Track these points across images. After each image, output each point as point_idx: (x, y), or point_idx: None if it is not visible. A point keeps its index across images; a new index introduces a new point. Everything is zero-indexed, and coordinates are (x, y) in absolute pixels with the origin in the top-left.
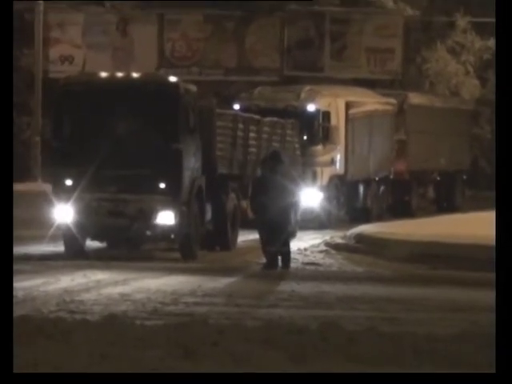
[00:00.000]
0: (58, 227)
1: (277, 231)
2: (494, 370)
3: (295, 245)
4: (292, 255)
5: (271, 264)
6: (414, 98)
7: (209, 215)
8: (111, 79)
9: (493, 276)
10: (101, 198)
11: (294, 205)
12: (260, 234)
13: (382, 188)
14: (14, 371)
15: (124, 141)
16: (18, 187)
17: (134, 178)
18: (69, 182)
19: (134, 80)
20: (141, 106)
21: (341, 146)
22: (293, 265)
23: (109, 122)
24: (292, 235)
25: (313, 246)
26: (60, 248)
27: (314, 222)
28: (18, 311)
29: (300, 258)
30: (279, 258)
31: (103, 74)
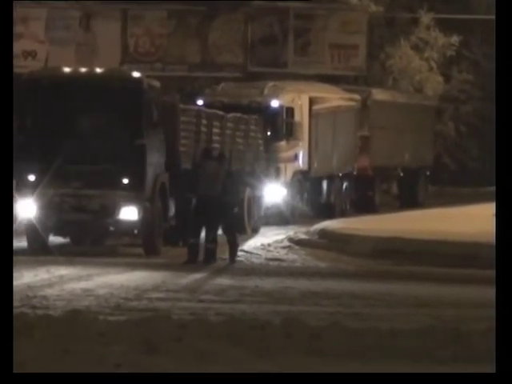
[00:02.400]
0: (21, 222)
1: (200, 226)
2: (455, 366)
3: (258, 240)
4: (255, 250)
5: (189, 258)
6: (378, 94)
7: (172, 211)
8: (74, 74)
9: (455, 271)
10: (64, 193)
11: (228, 203)
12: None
13: (345, 184)
14: None
15: (87, 136)
16: None
17: (97, 173)
18: (32, 178)
19: (98, 75)
20: (104, 102)
21: (304, 142)
22: (256, 260)
23: (72, 118)
24: (231, 234)
25: (276, 241)
26: (23, 243)
27: (277, 218)
28: None
29: (263, 253)
30: (203, 252)
31: (66, 70)
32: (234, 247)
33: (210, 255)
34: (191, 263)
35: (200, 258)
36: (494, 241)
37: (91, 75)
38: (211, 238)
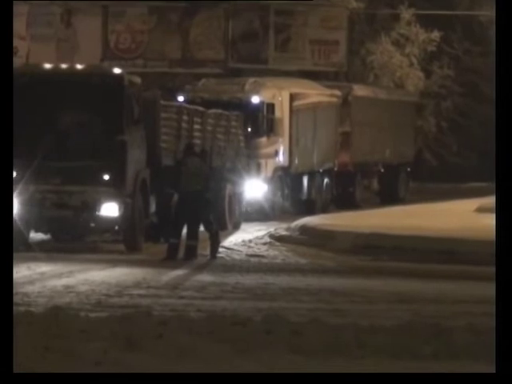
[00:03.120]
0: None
1: (181, 222)
2: (435, 361)
3: (239, 237)
4: (236, 247)
5: (168, 255)
6: (359, 90)
7: (153, 207)
8: (55, 71)
9: (435, 267)
10: (45, 189)
11: (209, 199)
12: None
13: (326, 180)
14: None
15: (68, 132)
16: None
17: (78, 169)
18: (13, 174)
19: (79, 72)
20: (85, 98)
21: (285, 138)
22: (237, 257)
23: (53, 114)
24: (210, 229)
25: (257, 237)
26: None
27: (258, 214)
28: None
29: (244, 249)
30: (184, 249)
31: (47, 66)
32: (215, 244)
33: (191, 252)
34: (170, 260)
35: (180, 255)
36: (494, 238)
37: (72, 71)
38: (192, 235)
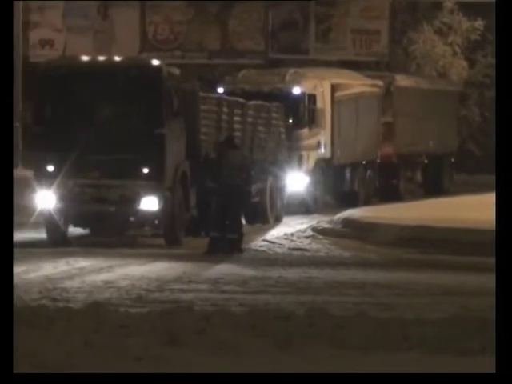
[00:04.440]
0: (40, 214)
1: (222, 215)
2: (483, 355)
3: (281, 230)
4: (278, 240)
5: (209, 249)
6: (401, 80)
7: (193, 200)
8: (92, 63)
9: (481, 260)
10: (83, 183)
11: (246, 192)
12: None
13: (369, 172)
14: None
15: (106, 125)
16: None
17: (116, 163)
18: (50, 168)
19: (116, 64)
20: (123, 90)
21: (327, 130)
22: (279, 250)
23: (91, 107)
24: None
25: (299, 230)
26: (42, 235)
27: (300, 207)
28: None
29: (286, 243)
30: (226, 243)
31: (84, 58)
32: (234, 242)
33: (233, 246)
34: (212, 254)
35: (223, 249)
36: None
37: (110, 63)
38: (234, 228)
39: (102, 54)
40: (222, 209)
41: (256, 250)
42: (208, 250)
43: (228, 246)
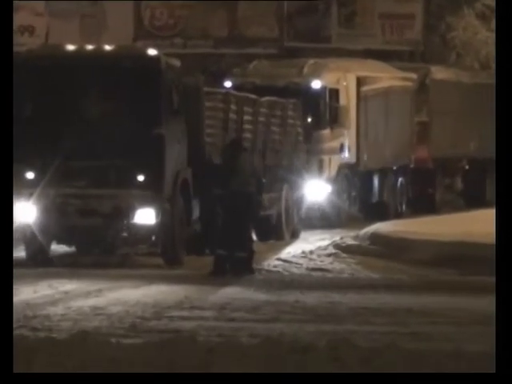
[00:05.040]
0: (18, 229)
1: (229, 230)
2: None
3: (299, 247)
4: (295, 259)
5: (215, 269)
6: (438, 73)
7: (197, 213)
8: (79, 53)
9: None
10: (68, 193)
11: (257, 202)
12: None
13: (400, 179)
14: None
15: (96, 125)
16: None
17: (107, 169)
18: (30, 175)
19: (107, 54)
20: (115, 85)
21: (351, 130)
22: (296, 271)
23: (77, 104)
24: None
25: (319, 248)
26: (20, 253)
27: (320, 220)
28: None
29: (304, 262)
30: (234, 263)
31: (69, 47)
32: (242, 261)
33: (242, 265)
34: (218, 275)
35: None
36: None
37: (99, 54)
38: (243, 244)
39: (90, 43)
40: (229, 223)
41: (269, 271)
42: (214, 270)
43: (237, 265)
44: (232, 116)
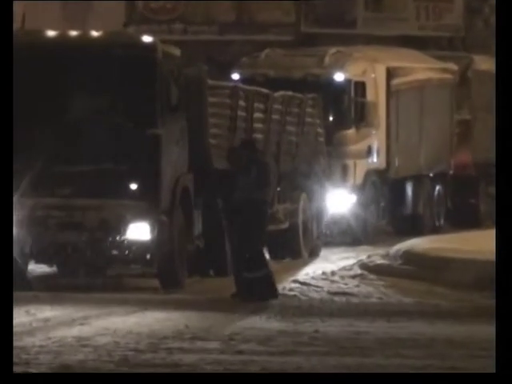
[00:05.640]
0: None
1: (244, 248)
2: None
3: (318, 267)
4: (314, 281)
5: (240, 294)
6: (482, 63)
7: (199, 227)
8: (61, 40)
9: None
10: (48, 204)
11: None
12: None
13: (438, 187)
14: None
15: (81, 125)
16: None
17: (94, 175)
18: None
19: (94, 41)
20: (103, 77)
21: (381, 130)
22: (316, 295)
23: (59, 100)
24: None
25: (343, 268)
26: None
27: (344, 236)
28: None
29: (325, 285)
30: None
31: (50, 34)
32: (260, 282)
33: (264, 288)
34: (245, 301)
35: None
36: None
37: (84, 41)
38: (259, 263)
39: (74, 28)
40: (239, 238)
41: (284, 295)
42: (239, 295)
43: (258, 288)
44: (240, 113)
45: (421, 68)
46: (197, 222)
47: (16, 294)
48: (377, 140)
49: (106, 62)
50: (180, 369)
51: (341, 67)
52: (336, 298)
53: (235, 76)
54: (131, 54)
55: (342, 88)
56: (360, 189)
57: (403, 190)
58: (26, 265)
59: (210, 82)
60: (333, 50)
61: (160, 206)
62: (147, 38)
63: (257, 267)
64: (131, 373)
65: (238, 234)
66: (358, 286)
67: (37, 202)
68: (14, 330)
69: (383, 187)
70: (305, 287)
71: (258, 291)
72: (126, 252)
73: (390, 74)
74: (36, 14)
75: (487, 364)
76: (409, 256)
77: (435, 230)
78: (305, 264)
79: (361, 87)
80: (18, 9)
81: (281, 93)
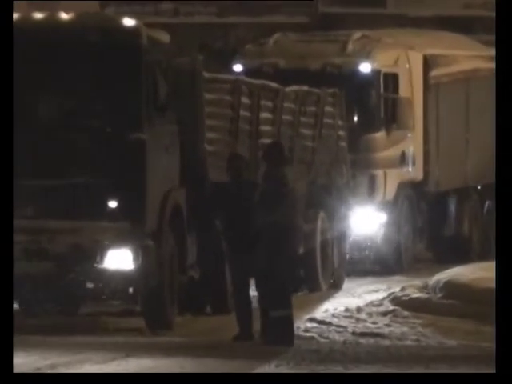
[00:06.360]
0: None
1: (247, 276)
2: None
3: (341, 302)
4: (335, 320)
5: (240, 331)
6: None
7: (193, 254)
8: (23, 25)
9: None
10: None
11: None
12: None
13: (488, 203)
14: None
15: (47, 129)
16: None
17: (65, 191)
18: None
19: (64, 25)
20: (75, 69)
21: (417, 133)
22: (338, 337)
23: (19, 97)
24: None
25: (371, 303)
26: None
27: (372, 264)
28: None
29: (349, 324)
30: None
31: (14, 16)
32: (285, 322)
33: (286, 330)
34: (243, 337)
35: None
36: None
37: (53, 25)
38: (282, 300)
39: (40, 10)
40: (246, 264)
41: (299, 337)
42: (240, 332)
43: (273, 330)
44: (244, 113)
45: (466, 56)
46: (190, 247)
47: None
48: (412, 145)
49: (79, 50)
50: None
51: (367, 56)
52: (362, 341)
53: (237, 67)
54: (109, 40)
55: (368, 81)
56: (391, 205)
57: (445, 207)
58: None
59: (207, 74)
60: (357, 34)
61: (145, 228)
62: (129, 21)
63: (280, 305)
64: (131, 373)
65: (249, 262)
66: (389, 325)
67: None
68: None
69: (420, 203)
70: (324, 327)
71: (276, 334)
72: (104, 285)
73: (428, 63)
74: None
75: None
76: (452, 288)
77: (484, 256)
78: (324, 298)
79: (392, 80)
80: None
81: (294, 88)
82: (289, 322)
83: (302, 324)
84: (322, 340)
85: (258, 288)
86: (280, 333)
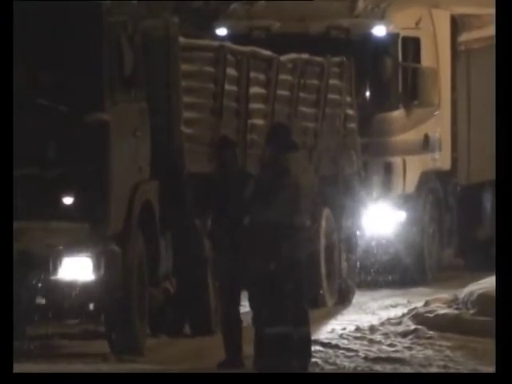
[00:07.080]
0: None
1: (238, 288)
2: None
3: (351, 320)
4: (344, 342)
5: (227, 354)
6: None
7: (169, 261)
8: None
9: None
10: None
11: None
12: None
13: None
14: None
15: None
16: None
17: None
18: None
19: None
20: (22, 37)
21: (444, 112)
22: (346, 362)
23: None
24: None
25: (388, 321)
26: None
27: (389, 272)
28: None
29: (361, 347)
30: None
31: None
32: (304, 343)
33: (304, 352)
34: (232, 364)
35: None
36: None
37: None
38: (300, 317)
39: None
40: (237, 275)
41: None
42: (227, 357)
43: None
44: (230, 88)
45: None
46: (165, 253)
47: None
48: (438, 126)
49: (26, 13)
50: None
51: (382, 15)
52: (377, 367)
53: (221, 31)
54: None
55: (383, 47)
56: (412, 201)
57: (478, 203)
58: None
59: (183, 40)
60: None
61: (108, 230)
62: None
63: (304, 320)
64: (131, 373)
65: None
66: (410, 347)
67: None
68: None
69: (448, 198)
70: (330, 351)
71: (275, 359)
72: (58, 300)
73: (457, 25)
74: None
75: None
76: (487, 302)
77: None
78: (330, 315)
79: (413, 46)
80: None
81: (291, 56)
82: (308, 343)
83: None
84: (328, 365)
85: (251, 302)
86: (298, 354)
